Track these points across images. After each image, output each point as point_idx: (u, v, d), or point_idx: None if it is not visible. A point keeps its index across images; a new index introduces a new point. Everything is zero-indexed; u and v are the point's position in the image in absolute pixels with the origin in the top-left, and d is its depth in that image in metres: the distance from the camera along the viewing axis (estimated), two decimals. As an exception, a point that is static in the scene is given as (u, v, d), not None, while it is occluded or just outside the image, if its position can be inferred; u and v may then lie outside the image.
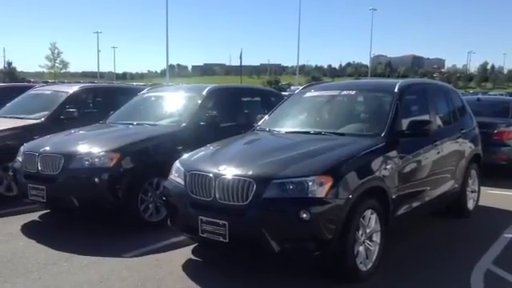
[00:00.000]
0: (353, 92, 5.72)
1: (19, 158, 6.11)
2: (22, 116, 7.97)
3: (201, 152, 5.01)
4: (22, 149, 6.21)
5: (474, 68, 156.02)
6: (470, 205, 6.59)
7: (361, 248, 4.26)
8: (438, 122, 5.90)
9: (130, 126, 6.84)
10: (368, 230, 4.35)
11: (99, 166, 5.55)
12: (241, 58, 75.31)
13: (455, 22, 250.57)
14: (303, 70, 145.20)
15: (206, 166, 4.46)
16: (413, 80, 6.97)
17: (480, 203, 6.89)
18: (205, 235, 4.25)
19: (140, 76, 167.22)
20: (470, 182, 6.52)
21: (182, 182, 4.54)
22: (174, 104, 7.29)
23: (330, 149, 4.54)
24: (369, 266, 4.36)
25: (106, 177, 5.52)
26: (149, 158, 5.93)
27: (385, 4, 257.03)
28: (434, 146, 5.45)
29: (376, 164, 4.48)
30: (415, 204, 5.14)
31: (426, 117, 5.58)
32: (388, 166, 4.60)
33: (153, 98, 7.70)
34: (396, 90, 5.36)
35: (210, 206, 4.23)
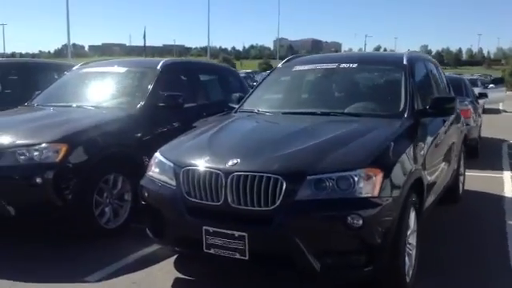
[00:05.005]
0: (354, 65, 4.86)
1: None
2: None
3: (188, 141, 3.91)
4: None
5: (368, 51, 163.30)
6: (460, 189, 6.11)
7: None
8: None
9: (68, 109, 5.48)
10: (408, 232, 3.56)
11: (41, 162, 4.23)
12: (144, 37, 71.04)
13: (350, 7, 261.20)
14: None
15: (207, 160, 3.38)
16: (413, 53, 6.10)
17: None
18: (212, 251, 3.22)
19: (31, 56, 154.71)
20: (461, 164, 6.02)
21: (173, 182, 3.45)
22: (122, 82, 5.95)
23: (359, 134, 3.65)
24: (410, 274, 3.58)
25: (51, 175, 4.21)
26: (103, 149, 4.68)
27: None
28: (444, 127, 4.82)
29: (413, 151, 3.69)
30: (437, 193, 4.48)
31: (434, 93, 4.92)
32: (421, 152, 3.85)
33: (91, 75, 6.24)
34: (405, 62, 4.62)
35: (218, 213, 3.21)
